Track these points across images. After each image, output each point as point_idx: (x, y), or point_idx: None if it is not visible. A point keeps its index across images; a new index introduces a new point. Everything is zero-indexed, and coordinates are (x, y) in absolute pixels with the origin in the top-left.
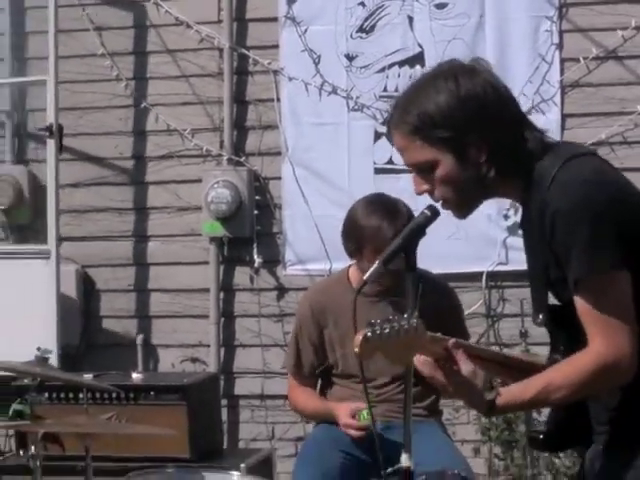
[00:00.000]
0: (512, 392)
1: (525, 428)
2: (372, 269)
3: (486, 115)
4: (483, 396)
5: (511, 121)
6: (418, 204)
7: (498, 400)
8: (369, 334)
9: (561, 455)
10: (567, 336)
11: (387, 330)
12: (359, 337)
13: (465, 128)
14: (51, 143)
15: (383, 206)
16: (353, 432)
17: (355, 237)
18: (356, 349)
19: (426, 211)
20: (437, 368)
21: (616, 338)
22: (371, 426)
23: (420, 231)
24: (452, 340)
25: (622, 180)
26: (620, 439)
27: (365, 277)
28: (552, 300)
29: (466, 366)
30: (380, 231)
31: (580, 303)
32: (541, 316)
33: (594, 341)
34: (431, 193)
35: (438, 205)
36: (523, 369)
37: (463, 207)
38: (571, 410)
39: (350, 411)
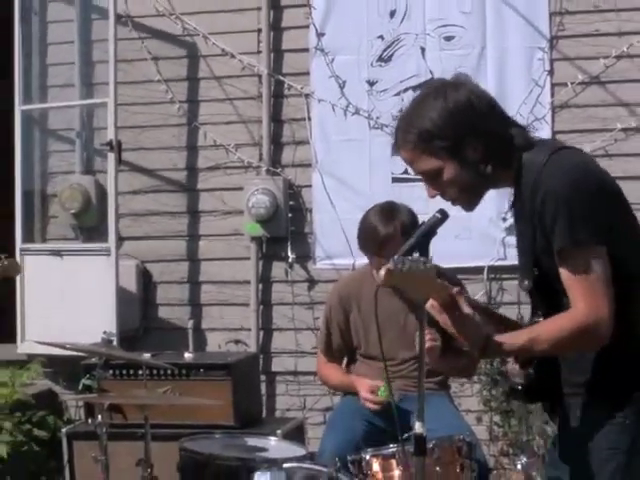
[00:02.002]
0: (504, 336)
1: (507, 381)
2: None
3: (474, 120)
4: (481, 331)
5: (497, 121)
6: (429, 208)
7: (494, 337)
8: (392, 267)
9: (551, 423)
10: (547, 301)
11: (407, 266)
12: (383, 270)
13: (459, 135)
14: (111, 156)
15: (381, 211)
16: (371, 405)
17: (360, 238)
18: (381, 280)
19: (437, 214)
20: (443, 311)
21: (595, 303)
22: (390, 400)
23: (432, 231)
24: (456, 288)
25: (602, 170)
26: (592, 398)
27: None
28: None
29: (467, 309)
30: (375, 232)
31: (563, 271)
32: (526, 282)
33: (576, 305)
34: (442, 195)
35: (447, 209)
36: (512, 327)
37: (470, 202)
38: (545, 370)
39: (369, 387)
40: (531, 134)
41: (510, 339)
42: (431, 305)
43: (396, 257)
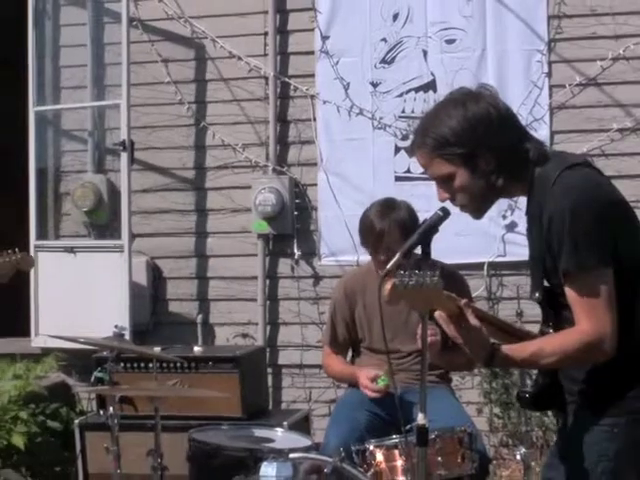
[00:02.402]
0: (511, 348)
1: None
2: (393, 260)
3: (491, 133)
4: (488, 343)
5: (512, 135)
6: (431, 206)
7: (500, 349)
8: (397, 283)
9: (549, 414)
10: (555, 313)
11: (412, 282)
12: (387, 285)
13: (474, 145)
14: (124, 156)
15: (379, 207)
16: (369, 393)
17: (359, 232)
18: (385, 295)
19: (439, 212)
20: (450, 322)
21: (599, 322)
22: (390, 389)
23: (434, 228)
24: (464, 300)
25: (611, 188)
26: (585, 406)
27: (388, 267)
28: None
29: (474, 321)
30: (372, 226)
31: (569, 291)
32: (537, 294)
33: (580, 322)
34: (451, 200)
35: (448, 206)
36: (519, 337)
37: (479, 210)
38: (552, 380)
39: (369, 376)
40: (545, 147)
41: (516, 352)
42: (439, 315)
43: (400, 271)
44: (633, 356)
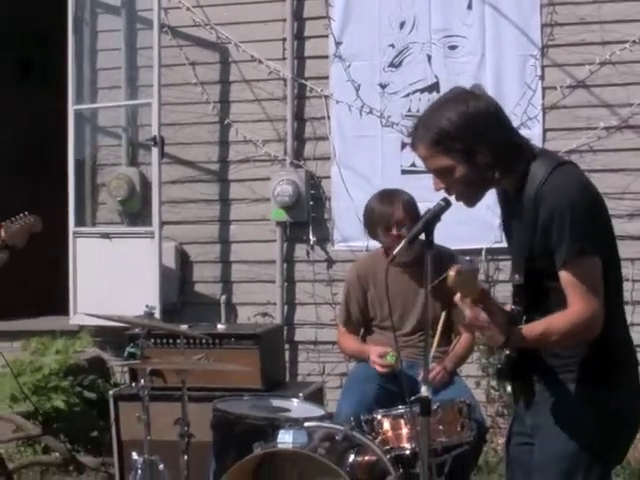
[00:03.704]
0: (525, 328)
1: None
2: (399, 247)
3: (489, 129)
4: (506, 324)
5: (506, 133)
6: (434, 197)
7: (515, 329)
8: (462, 269)
9: None
10: (533, 294)
11: (471, 267)
12: (452, 271)
13: (473, 140)
14: (155, 150)
15: (380, 196)
16: (378, 368)
17: (366, 224)
18: (451, 280)
19: (441, 202)
20: (473, 306)
21: (591, 303)
22: (396, 365)
23: (437, 217)
24: (486, 285)
25: (592, 184)
26: (568, 379)
27: (394, 252)
28: None
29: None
30: (372, 212)
31: (566, 276)
32: (517, 276)
33: (575, 304)
34: (446, 190)
35: (450, 197)
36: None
37: (473, 199)
38: (519, 354)
39: (378, 353)
40: (532, 144)
41: (529, 330)
42: (461, 300)
43: (465, 258)
44: (610, 331)
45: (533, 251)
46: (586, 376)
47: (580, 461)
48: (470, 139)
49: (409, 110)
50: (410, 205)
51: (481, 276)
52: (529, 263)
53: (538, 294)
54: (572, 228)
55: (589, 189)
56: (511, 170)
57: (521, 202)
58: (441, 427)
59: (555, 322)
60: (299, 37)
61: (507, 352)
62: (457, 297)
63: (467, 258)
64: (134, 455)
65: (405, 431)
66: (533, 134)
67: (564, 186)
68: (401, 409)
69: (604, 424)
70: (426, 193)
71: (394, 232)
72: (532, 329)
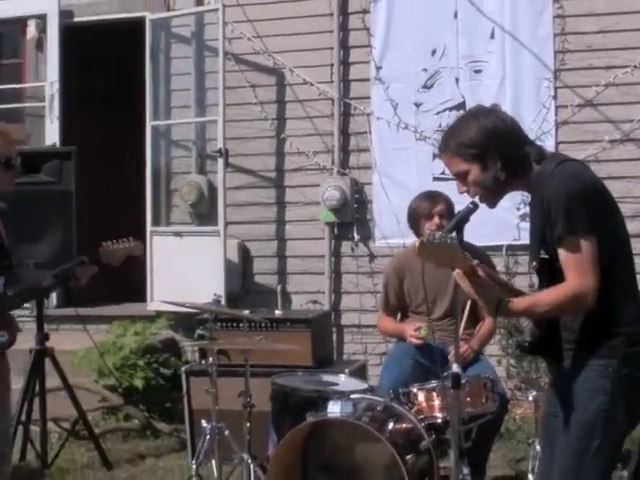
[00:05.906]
0: (514, 300)
1: (516, 339)
2: (432, 231)
3: (498, 139)
4: (495, 294)
5: (515, 141)
6: (462, 201)
7: (505, 300)
8: (425, 240)
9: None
10: (549, 277)
11: (436, 240)
12: (417, 242)
13: (485, 148)
14: (220, 161)
15: (422, 195)
16: (414, 340)
17: (408, 216)
18: (415, 250)
19: (470, 204)
20: (465, 277)
21: (584, 278)
22: (429, 339)
23: (466, 217)
24: (476, 261)
25: (594, 176)
26: (583, 350)
27: (426, 236)
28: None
29: (484, 276)
30: (419, 208)
31: (561, 252)
32: (534, 263)
33: (569, 278)
34: (467, 192)
35: (477, 201)
36: (517, 294)
37: (491, 200)
38: (545, 333)
39: (414, 327)
40: (544, 150)
41: (518, 303)
42: (457, 273)
43: (428, 232)
44: (619, 307)
45: (545, 237)
46: (599, 349)
47: (596, 427)
48: (481, 147)
49: (440, 126)
50: (449, 202)
51: (502, 269)
52: (543, 247)
53: (552, 276)
54: (565, 210)
55: (583, 177)
56: (519, 173)
57: (535, 197)
58: (468, 399)
59: (544, 295)
60: (345, 63)
61: (532, 330)
62: (455, 272)
63: (438, 234)
64: (203, 422)
65: (437, 402)
66: (547, 147)
67: (562, 177)
68: (433, 383)
69: (618, 392)
70: (454, 198)
71: (436, 220)
72: (520, 301)
